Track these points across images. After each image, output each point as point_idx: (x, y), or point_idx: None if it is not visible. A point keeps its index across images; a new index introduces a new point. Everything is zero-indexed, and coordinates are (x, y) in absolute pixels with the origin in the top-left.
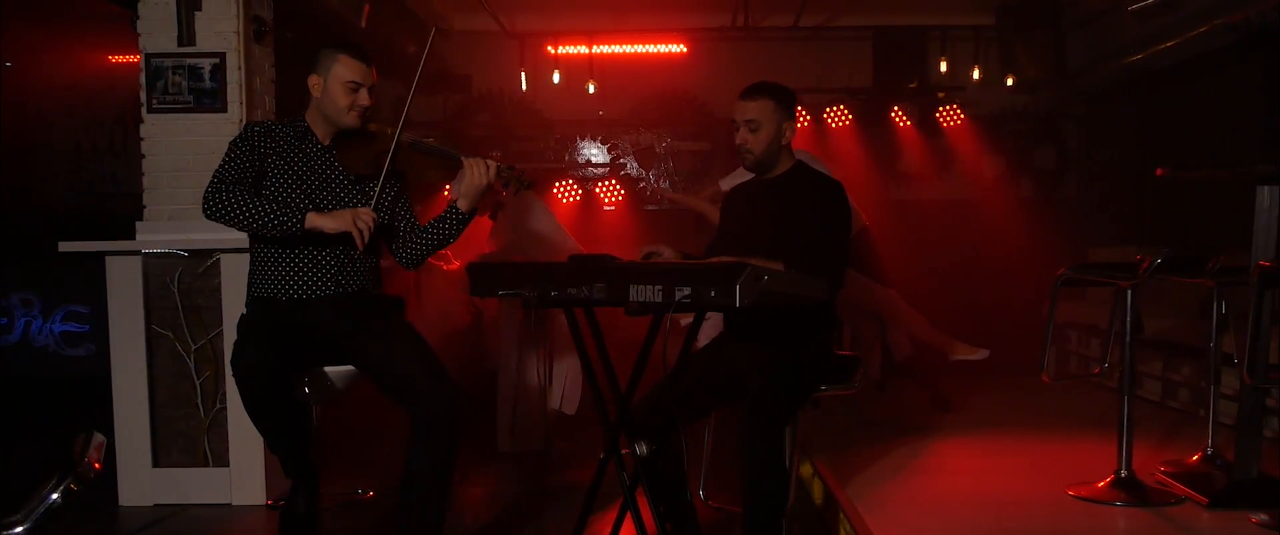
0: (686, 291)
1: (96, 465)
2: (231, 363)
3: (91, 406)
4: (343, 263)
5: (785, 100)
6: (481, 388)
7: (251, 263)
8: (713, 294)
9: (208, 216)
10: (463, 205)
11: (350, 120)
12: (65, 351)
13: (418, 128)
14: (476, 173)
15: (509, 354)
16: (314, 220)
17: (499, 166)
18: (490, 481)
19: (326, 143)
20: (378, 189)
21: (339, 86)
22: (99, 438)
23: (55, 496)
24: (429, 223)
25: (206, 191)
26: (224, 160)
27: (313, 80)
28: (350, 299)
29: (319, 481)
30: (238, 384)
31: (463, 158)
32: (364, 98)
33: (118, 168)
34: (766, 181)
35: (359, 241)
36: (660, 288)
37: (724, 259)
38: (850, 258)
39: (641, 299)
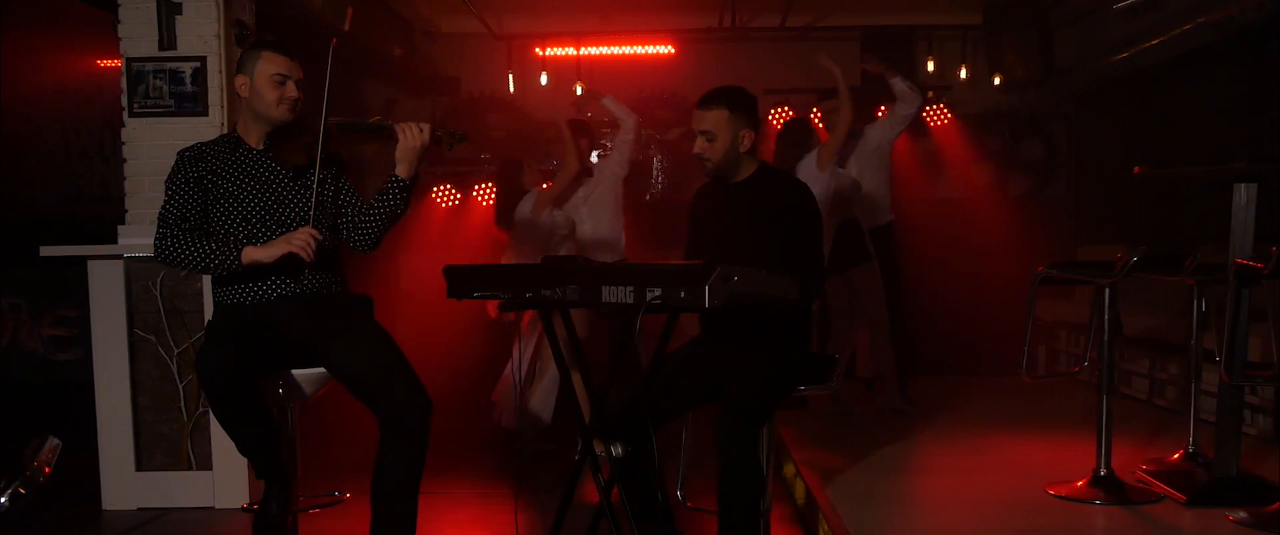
0: (657, 293)
1: (47, 469)
2: (196, 365)
3: (78, 411)
4: (295, 260)
5: (741, 107)
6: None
7: None
8: (683, 295)
9: (160, 262)
10: (402, 171)
11: (281, 114)
12: (53, 356)
13: None
14: (410, 136)
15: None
16: (250, 254)
17: (432, 127)
18: (465, 483)
19: (261, 146)
20: (316, 177)
21: (265, 82)
22: (54, 442)
23: (3, 500)
24: (373, 199)
25: (155, 239)
26: (165, 200)
27: (239, 81)
28: (313, 299)
29: (293, 483)
30: (203, 385)
31: (395, 124)
32: (291, 90)
33: (106, 172)
34: (731, 186)
35: (307, 257)
36: (631, 289)
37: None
38: (873, 252)
39: (613, 301)
